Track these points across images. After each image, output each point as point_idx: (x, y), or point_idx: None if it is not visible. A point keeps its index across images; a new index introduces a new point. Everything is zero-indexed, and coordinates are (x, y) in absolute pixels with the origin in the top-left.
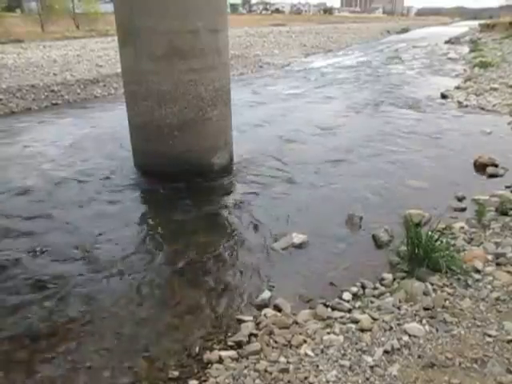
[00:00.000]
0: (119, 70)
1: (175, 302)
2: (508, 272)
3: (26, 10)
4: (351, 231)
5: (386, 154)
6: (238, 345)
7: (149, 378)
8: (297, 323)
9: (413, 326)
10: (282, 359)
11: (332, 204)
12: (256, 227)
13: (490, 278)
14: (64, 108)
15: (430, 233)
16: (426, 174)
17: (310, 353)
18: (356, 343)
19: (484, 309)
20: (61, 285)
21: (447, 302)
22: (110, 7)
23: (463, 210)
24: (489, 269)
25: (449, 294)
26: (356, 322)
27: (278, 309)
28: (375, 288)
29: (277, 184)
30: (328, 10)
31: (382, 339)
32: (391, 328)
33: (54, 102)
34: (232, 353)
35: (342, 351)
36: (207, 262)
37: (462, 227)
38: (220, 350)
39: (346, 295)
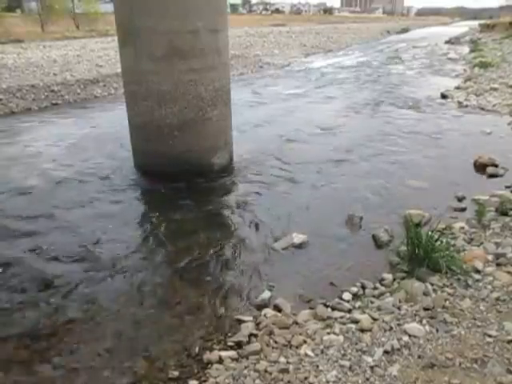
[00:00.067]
0: (119, 70)
1: (175, 301)
2: (508, 272)
3: (26, 10)
4: (351, 231)
5: (386, 153)
6: (238, 345)
7: (149, 378)
8: (297, 323)
9: (413, 327)
10: (282, 359)
11: (332, 204)
12: (256, 227)
13: (490, 278)
14: (64, 108)
15: (430, 233)
16: (426, 174)
17: (310, 353)
18: (356, 343)
19: (484, 309)
20: (61, 285)
21: (447, 302)
22: (110, 7)
23: (463, 210)
24: (489, 269)
25: (449, 294)
26: (356, 322)
27: (278, 309)
28: (375, 288)
29: (277, 184)
30: (328, 10)
31: (382, 339)
32: (391, 328)
33: (54, 102)
34: (232, 353)
35: (342, 351)
36: (207, 262)
37: (462, 227)
38: (220, 350)
39: (346, 295)
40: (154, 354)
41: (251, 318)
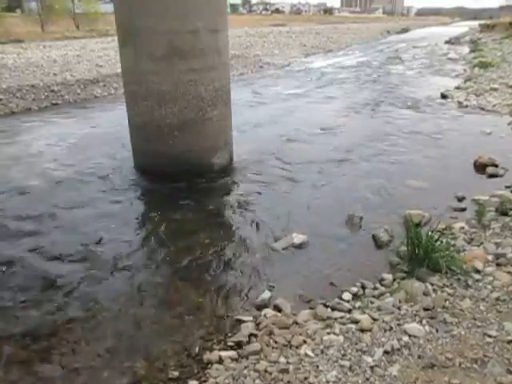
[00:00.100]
0: (119, 70)
1: (175, 301)
2: (508, 272)
3: (26, 10)
4: (351, 231)
5: (386, 153)
6: (238, 345)
7: (149, 378)
8: (297, 323)
9: (413, 327)
10: (282, 359)
11: (332, 204)
12: (256, 227)
13: (490, 278)
14: (64, 108)
15: (430, 233)
16: (426, 174)
17: (309, 353)
18: (356, 343)
19: (484, 309)
20: (61, 284)
21: (447, 302)
22: (110, 7)
23: (463, 210)
24: (489, 269)
25: (449, 294)
26: (356, 322)
27: (277, 309)
28: (375, 288)
29: (277, 184)
30: (328, 10)
31: (382, 339)
32: (391, 328)
33: (54, 102)
34: (232, 353)
35: (342, 351)
36: (207, 262)
37: (462, 227)
38: (220, 350)
39: (346, 295)
40: (153, 354)
41: (251, 318)
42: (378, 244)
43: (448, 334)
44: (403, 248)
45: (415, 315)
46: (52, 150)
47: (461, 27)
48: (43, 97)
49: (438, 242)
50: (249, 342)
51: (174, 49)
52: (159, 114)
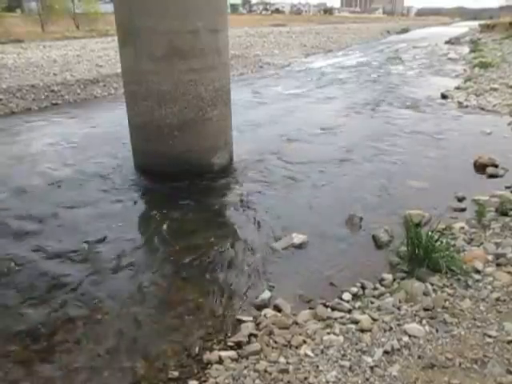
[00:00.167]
0: (119, 70)
1: (175, 301)
2: (508, 272)
3: (26, 10)
4: (351, 231)
5: (385, 154)
6: (238, 345)
7: (149, 378)
8: (297, 323)
9: (413, 327)
10: (282, 359)
11: (332, 204)
12: (256, 227)
13: (490, 278)
14: (64, 108)
15: (430, 233)
16: (426, 174)
17: (309, 353)
18: (356, 344)
19: (484, 309)
20: (61, 284)
21: (447, 302)
22: (110, 7)
23: (463, 210)
24: (489, 269)
25: (449, 294)
26: (356, 322)
27: (277, 309)
28: (375, 288)
29: (277, 184)
30: (328, 11)
31: (382, 340)
32: (391, 328)
33: (54, 102)
34: (232, 353)
35: (342, 352)
36: (207, 262)
37: (462, 227)
38: (220, 350)
39: (346, 295)
40: (153, 354)
41: (251, 318)
42: (378, 244)
43: (448, 334)
44: (403, 248)
45: (415, 315)
46: (52, 149)
47: (461, 27)
48: (43, 97)
49: (438, 242)
50: (249, 342)
51: (174, 49)
52: (159, 113)
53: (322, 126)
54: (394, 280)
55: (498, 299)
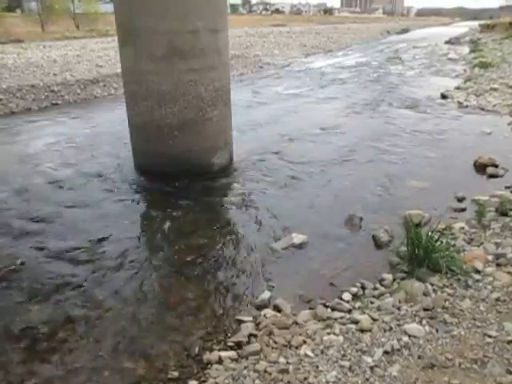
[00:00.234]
0: (119, 70)
1: (175, 301)
2: (508, 273)
3: (26, 10)
4: (351, 231)
5: (385, 154)
6: (238, 345)
7: (149, 378)
8: (297, 324)
9: (413, 327)
10: (282, 360)
11: (332, 204)
12: (256, 227)
13: (490, 278)
14: (64, 108)
15: (430, 233)
16: (426, 174)
17: (309, 353)
18: (356, 344)
19: (484, 309)
20: (61, 284)
21: (447, 302)
22: (110, 7)
23: (463, 210)
24: (489, 269)
25: (449, 294)
26: (356, 322)
27: (277, 309)
28: (375, 288)
29: (276, 184)
30: (328, 11)
31: (382, 340)
32: (391, 328)
33: (54, 102)
34: (232, 353)
35: (342, 352)
36: (207, 262)
37: (462, 227)
38: (220, 350)
39: (346, 295)
40: (153, 354)
41: (251, 318)
42: (378, 244)
43: (448, 334)
44: (403, 248)
45: (415, 315)
46: (52, 149)
47: (461, 27)
48: (43, 97)
49: (438, 242)
50: (248, 342)
51: (174, 49)
52: (159, 113)
53: (322, 125)
54: (394, 280)
55: (497, 299)
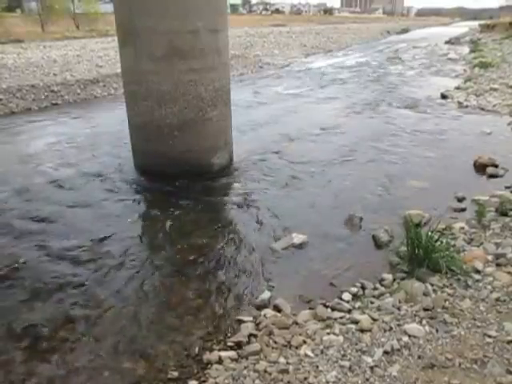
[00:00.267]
0: (119, 71)
1: (175, 301)
2: (508, 273)
3: (26, 10)
4: (351, 231)
5: (385, 154)
6: (238, 345)
7: (149, 378)
8: (297, 324)
9: (413, 327)
10: (282, 360)
11: (332, 204)
12: (256, 227)
13: (490, 278)
14: (64, 108)
15: (430, 233)
16: (425, 174)
17: (309, 353)
18: (356, 344)
19: (484, 309)
20: (60, 284)
21: (447, 302)
22: (110, 7)
23: (463, 210)
24: (489, 269)
25: (449, 294)
26: (356, 322)
27: (277, 309)
28: (375, 288)
29: (276, 184)
30: (328, 11)
31: (382, 340)
32: (391, 328)
33: (54, 102)
34: (232, 353)
35: (342, 352)
36: (207, 262)
37: (462, 227)
38: (220, 350)
39: (346, 295)
40: (153, 354)
41: (251, 318)
42: (378, 244)
43: (448, 334)
44: (403, 248)
45: (415, 315)
46: (53, 149)
47: (461, 27)
48: (43, 97)
49: (438, 242)
50: (248, 343)
51: (174, 49)
52: (159, 114)
53: (322, 125)
54: (394, 280)
55: (497, 299)
